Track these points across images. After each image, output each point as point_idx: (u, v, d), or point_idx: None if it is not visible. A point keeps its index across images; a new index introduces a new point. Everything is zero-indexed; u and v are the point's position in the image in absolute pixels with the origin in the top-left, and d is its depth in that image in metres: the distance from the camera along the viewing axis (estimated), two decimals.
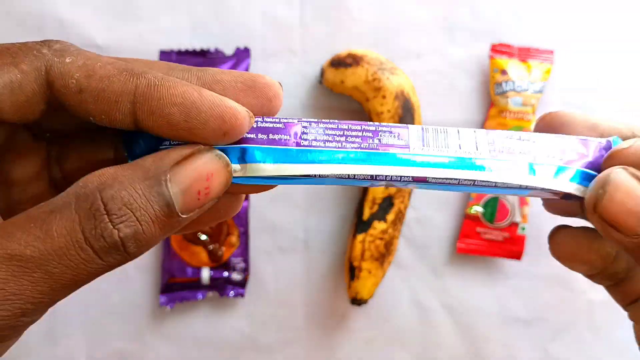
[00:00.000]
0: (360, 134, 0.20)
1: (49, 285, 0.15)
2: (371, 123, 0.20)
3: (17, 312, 0.16)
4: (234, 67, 0.45)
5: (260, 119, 0.19)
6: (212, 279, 0.46)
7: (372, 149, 0.20)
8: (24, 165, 0.19)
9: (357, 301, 0.45)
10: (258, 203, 0.47)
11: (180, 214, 0.16)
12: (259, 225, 0.48)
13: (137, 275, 0.47)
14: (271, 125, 0.19)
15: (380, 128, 0.20)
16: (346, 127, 0.20)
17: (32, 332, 0.46)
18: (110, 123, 0.17)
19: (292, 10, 0.47)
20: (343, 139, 0.20)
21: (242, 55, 0.46)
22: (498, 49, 0.47)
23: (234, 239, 0.46)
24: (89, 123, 0.18)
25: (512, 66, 0.46)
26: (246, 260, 0.47)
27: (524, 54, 0.47)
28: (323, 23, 0.47)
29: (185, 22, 0.46)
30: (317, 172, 0.19)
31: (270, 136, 0.19)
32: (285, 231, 0.48)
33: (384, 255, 0.45)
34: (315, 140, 0.19)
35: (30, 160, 0.20)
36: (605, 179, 0.18)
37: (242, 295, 0.47)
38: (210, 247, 0.46)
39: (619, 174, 0.18)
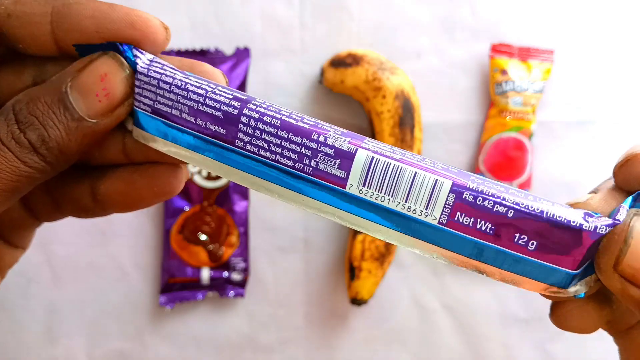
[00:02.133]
0: (298, 148, 0.18)
1: None
2: (319, 132, 0.18)
3: None
4: (234, 66, 0.45)
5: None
6: (212, 279, 0.46)
7: (300, 173, 0.18)
8: None
9: (357, 301, 0.45)
10: (258, 203, 0.47)
11: (87, 117, 0.18)
12: (259, 225, 0.48)
13: (137, 275, 0.47)
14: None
15: (322, 148, 0.17)
16: (286, 135, 0.18)
17: (32, 332, 0.47)
18: (37, 48, 0.19)
19: (292, 10, 0.47)
20: (278, 150, 0.18)
21: (242, 55, 0.46)
22: (498, 49, 0.47)
23: (234, 239, 0.46)
24: (9, 54, 0.19)
25: (512, 66, 0.46)
26: (246, 260, 0.47)
27: (524, 54, 0.47)
28: (323, 23, 0.47)
29: (185, 22, 0.46)
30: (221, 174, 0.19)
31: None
32: (285, 231, 0.48)
33: (384, 255, 0.45)
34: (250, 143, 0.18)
35: None
36: (625, 231, 0.16)
37: (242, 295, 0.47)
38: (210, 247, 0.46)
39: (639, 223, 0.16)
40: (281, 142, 0.18)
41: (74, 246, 0.46)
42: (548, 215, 0.16)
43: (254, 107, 0.18)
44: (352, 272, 0.45)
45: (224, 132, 0.18)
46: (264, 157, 0.18)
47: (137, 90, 0.19)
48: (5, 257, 0.23)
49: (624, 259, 0.16)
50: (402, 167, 0.17)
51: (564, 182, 0.48)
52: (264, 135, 0.18)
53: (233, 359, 0.48)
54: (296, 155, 0.17)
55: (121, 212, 0.22)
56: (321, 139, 0.17)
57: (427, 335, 0.49)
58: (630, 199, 0.17)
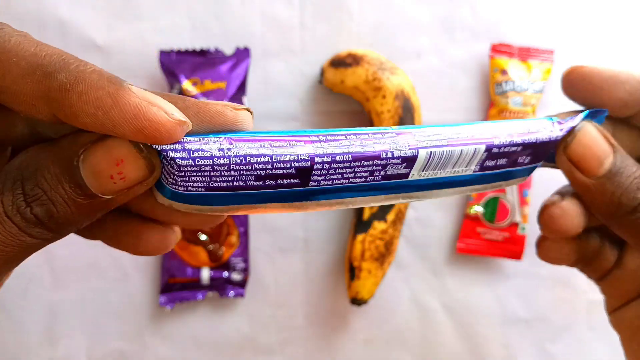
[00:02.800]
0: (370, 168, 0.19)
1: None
2: (386, 150, 0.19)
3: None
4: (233, 66, 0.45)
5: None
6: (212, 279, 0.46)
7: (371, 183, 0.20)
8: None
9: (357, 301, 0.45)
10: None
11: (100, 194, 0.17)
12: (259, 225, 0.48)
13: (137, 275, 0.47)
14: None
15: (391, 161, 0.19)
16: (358, 164, 0.19)
17: (32, 332, 0.47)
18: (38, 121, 0.18)
19: (292, 10, 0.47)
20: (351, 174, 0.19)
21: (242, 55, 0.46)
22: (498, 49, 0.47)
23: (234, 239, 0.46)
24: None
25: (512, 66, 0.46)
26: (246, 260, 0.47)
27: (524, 54, 0.47)
28: (323, 23, 0.47)
29: (185, 22, 0.46)
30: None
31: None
32: (285, 231, 0.48)
33: (384, 255, 0.45)
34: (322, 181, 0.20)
35: None
36: (576, 127, 0.22)
37: (242, 295, 0.47)
38: (210, 247, 0.46)
39: (588, 125, 0.22)
40: (354, 170, 0.19)
41: (74, 246, 0.46)
42: (538, 140, 0.22)
43: (322, 150, 0.19)
44: (352, 272, 0.45)
45: (297, 181, 0.19)
46: (337, 184, 0.19)
47: (179, 178, 0.18)
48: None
49: (570, 144, 0.22)
50: (451, 150, 0.20)
51: (563, 182, 0.48)
52: (337, 171, 0.19)
53: (233, 359, 0.48)
54: (368, 172, 0.20)
55: (135, 254, 0.22)
56: (389, 155, 0.19)
57: (427, 335, 0.49)
58: (585, 113, 0.23)
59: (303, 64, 0.47)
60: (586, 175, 0.22)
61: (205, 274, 0.46)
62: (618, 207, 0.22)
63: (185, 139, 0.17)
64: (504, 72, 0.46)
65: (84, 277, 0.47)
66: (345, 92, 0.45)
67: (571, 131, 0.22)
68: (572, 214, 0.24)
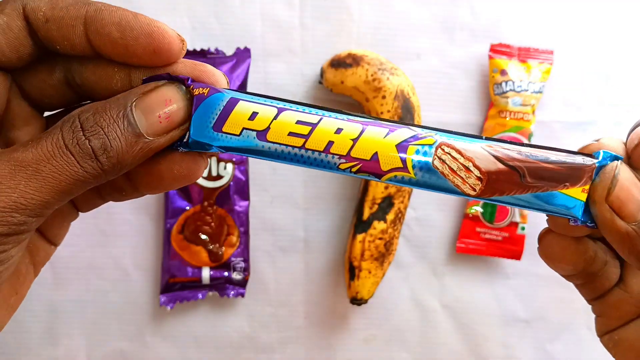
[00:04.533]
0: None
1: (39, 183, 0.18)
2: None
3: (12, 205, 0.18)
4: (234, 67, 0.45)
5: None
6: (212, 278, 0.46)
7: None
8: (25, 131, 0.23)
9: (357, 301, 0.45)
10: (258, 203, 0.47)
11: (145, 134, 0.20)
12: (259, 225, 0.48)
13: (137, 275, 0.47)
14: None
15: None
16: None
17: (32, 332, 0.47)
18: (72, 48, 0.21)
19: (292, 10, 0.47)
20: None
21: (242, 55, 0.46)
22: (498, 49, 0.47)
23: (234, 239, 0.46)
24: (42, 54, 0.22)
25: (511, 66, 0.46)
26: (246, 260, 0.47)
27: (524, 54, 0.47)
28: (323, 23, 0.47)
29: (185, 22, 0.46)
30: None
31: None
32: (285, 231, 0.48)
33: (384, 255, 0.45)
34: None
35: (29, 128, 0.23)
36: (613, 170, 0.21)
37: (242, 295, 0.47)
38: (211, 246, 0.46)
39: (624, 167, 0.21)
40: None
41: (74, 247, 0.46)
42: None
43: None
44: (352, 272, 0.45)
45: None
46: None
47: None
48: (41, 252, 0.24)
49: (614, 190, 0.21)
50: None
51: None
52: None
53: (233, 358, 0.48)
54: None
55: (150, 192, 0.23)
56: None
57: (427, 335, 0.49)
58: (605, 155, 0.22)
59: (303, 64, 0.47)
60: (627, 221, 0.21)
61: (206, 273, 0.46)
62: None
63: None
64: (503, 72, 0.46)
65: (84, 277, 0.47)
66: (345, 93, 0.45)
67: (601, 173, 0.21)
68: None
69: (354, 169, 0.21)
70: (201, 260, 0.46)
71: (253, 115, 0.21)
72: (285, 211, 0.48)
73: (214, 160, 0.46)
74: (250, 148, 0.21)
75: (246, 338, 0.48)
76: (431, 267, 0.49)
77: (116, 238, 0.47)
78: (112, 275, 0.47)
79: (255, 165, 0.47)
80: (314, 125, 0.21)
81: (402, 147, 0.21)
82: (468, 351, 0.49)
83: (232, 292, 0.47)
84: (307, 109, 0.21)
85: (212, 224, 0.46)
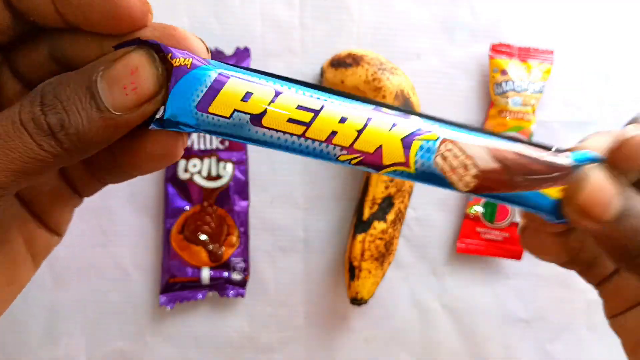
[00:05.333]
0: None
1: None
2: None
3: None
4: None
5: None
6: (212, 279, 0.46)
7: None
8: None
9: (357, 301, 0.45)
10: (258, 203, 0.47)
11: (111, 109, 0.18)
12: (259, 225, 0.48)
13: (137, 275, 0.47)
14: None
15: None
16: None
17: (32, 332, 0.47)
18: (43, 18, 0.19)
19: (292, 10, 0.47)
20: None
21: (242, 55, 0.46)
22: (498, 49, 0.47)
23: (234, 239, 0.46)
24: (26, 32, 0.20)
25: (512, 66, 0.46)
26: (246, 260, 0.47)
27: (524, 54, 0.47)
28: (323, 23, 0.47)
29: (185, 22, 0.46)
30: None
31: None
32: (285, 231, 0.48)
33: (384, 255, 0.45)
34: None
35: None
36: (581, 174, 0.21)
37: (242, 295, 0.47)
38: (210, 247, 0.46)
39: (594, 170, 0.21)
40: None
41: (74, 246, 0.46)
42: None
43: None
44: (352, 272, 0.45)
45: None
46: None
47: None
48: (39, 241, 0.23)
49: (578, 194, 0.20)
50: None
51: None
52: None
53: (233, 359, 0.48)
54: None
55: (136, 173, 0.22)
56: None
57: (427, 334, 0.49)
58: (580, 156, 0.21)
59: (303, 64, 0.47)
60: (594, 222, 0.21)
61: (206, 273, 0.46)
62: (625, 251, 0.21)
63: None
64: (503, 72, 0.46)
65: (84, 277, 0.47)
66: None
67: (571, 174, 0.21)
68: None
69: (354, 161, 0.19)
70: (201, 260, 0.46)
71: (247, 96, 0.18)
72: (285, 211, 0.48)
73: (214, 160, 0.46)
74: (241, 134, 0.19)
75: (246, 338, 0.48)
76: (431, 267, 0.48)
77: (116, 238, 0.47)
78: (112, 275, 0.47)
79: (255, 165, 0.47)
80: (316, 112, 0.19)
81: (407, 141, 0.20)
82: (468, 351, 0.49)
83: (232, 292, 0.47)
84: (308, 91, 0.19)
85: (212, 224, 0.46)
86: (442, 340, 0.49)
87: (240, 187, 0.47)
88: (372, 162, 0.20)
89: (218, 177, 0.46)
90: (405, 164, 0.20)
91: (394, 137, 0.20)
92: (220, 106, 0.18)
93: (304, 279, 0.48)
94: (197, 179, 0.46)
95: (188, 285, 0.46)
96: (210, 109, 0.18)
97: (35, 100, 0.18)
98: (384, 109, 0.20)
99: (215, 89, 0.18)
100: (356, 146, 0.19)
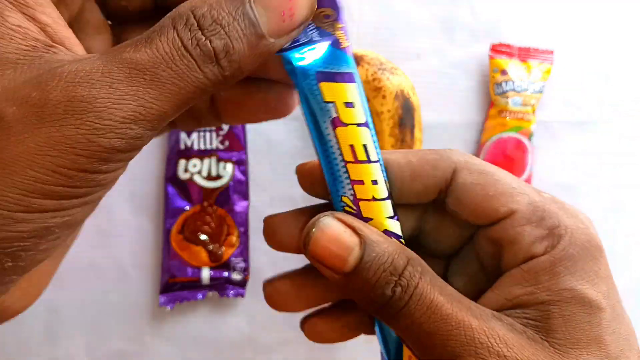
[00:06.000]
0: None
1: (158, 90, 0.16)
2: None
3: (130, 115, 0.16)
4: None
5: None
6: (212, 279, 0.46)
7: None
8: (97, 40, 0.21)
9: None
10: (258, 203, 0.47)
11: (267, 35, 0.17)
12: (259, 225, 0.47)
13: (137, 276, 0.47)
14: None
15: None
16: None
17: (32, 332, 0.47)
18: None
19: None
20: None
21: None
22: (498, 49, 0.47)
23: (234, 239, 0.46)
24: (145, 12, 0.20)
25: (512, 66, 0.46)
26: (246, 260, 0.47)
27: (524, 54, 0.47)
28: None
29: None
30: None
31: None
32: None
33: None
34: None
35: (100, 37, 0.21)
36: (314, 223, 0.20)
37: (242, 295, 0.47)
38: (210, 247, 0.46)
39: (326, 220, 0.20)
40: None
41: (74, 246, 0.46)
42: None
43: None
44: None
45: None
46: None
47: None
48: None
49: (309, 245, 0.20)
50: None
51: (563, 182, 0.48)
52: None
53: (233, 359, 0.48)
54: None
55: (231, 123, 0.21)
56: None
57: None
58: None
59: None
60: (335, 273, 0.20)
61: (206, 273, 0.46)
62: (371, 303, 0.20)
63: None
64: (503, 72, 0.46)
65: (84, 277, 0.47)
66: None
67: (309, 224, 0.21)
68: (284, 293, 0.23)
69: (346, 208, 0.21)
70: (201, 260, 0.46)
71: (349, 105, 0.19)
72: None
73: (213, 160, 0.46)
74: (315, 118, 0.20)
75: (246, 338, 0.48)
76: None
77: (116, 238, 0.47)
78: (112, 275, 0.47)
79: (255, 165, 0.47)
80: (368, 160, 0.20)
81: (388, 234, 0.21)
82: None
83: (232, 292, 0.47)
84: (375, 142, 0.21)
85: (212, 224, 0.46)
86: None
87: (240, 187, 0.47)
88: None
89: (218, 177, 0.46)
90: None
91: (384, 218, 0.21)
92: (329, 90, 0.19)
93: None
94: (197, 179, 0.46)
95: (188, 285, 0.46)
96: (322, 85, 0.19)
97: (192, 25, 0.16)
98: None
99: (340, 78, 0.19)
100: (361, 205, 0.20)
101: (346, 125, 0.19)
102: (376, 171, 0.20)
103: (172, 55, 0.16)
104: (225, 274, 0.46)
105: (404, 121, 0.44)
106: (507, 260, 0.21)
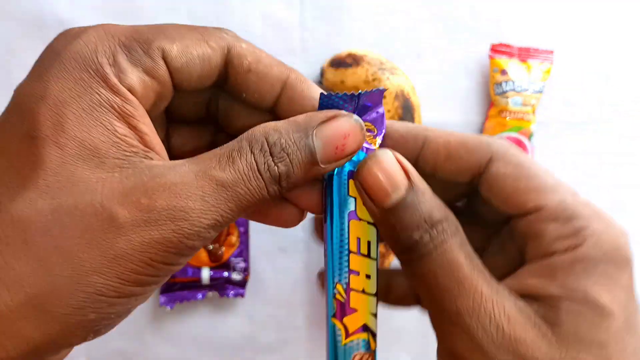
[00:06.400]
0: None
1: (234, 204, 0.19)
2: None
3: (212, 223, 0.19)
4: None
5: None
6: (212, 279, 0.46)
7: None
8: (158, 133, 0.23)
9: None
10: None
11: (320, 163, 0.20)
12: (259, 225, 0.48)
13: None
14: None
15: None
16: None
17: None
18: (258, 101, 0.23)
19: (292, 10, 0.47)
20: None
21: None
22: (498, 49, 0.47)
23: (234, 239, 0.46)
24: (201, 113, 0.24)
25: (512, 66, 0.46)
26: (246, 260, 0.47)
27: (524, 54, 0.47)
28: (323, 23, 0.47)
29: (185, 22, 0.46)
30: None
31: None
32: (285, 231, 0.48)
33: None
34: None
35: (160, 131, 0.24)
36: (372, 154, 0.22)
37: (242, 295, 0.47)
38: (210, 247, 0.46)
39: (382, 153, 0.22)
40: None
41: None
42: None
43: None
44: None
45: None
46: None
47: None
48: None
49: (361, 171, 0.22)
50: None
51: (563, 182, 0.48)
52: None
53: (233, 359, 0.48)
54: None
55: (247, 218, 0.25)
56: None
57: (427, 335, 0.49)
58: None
59: (303, 64, 0.47)
60: (375, 205, 0.21)
61: (206, 273, 0.46)
62: (396, 243, 0.21)
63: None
64: (503, 72, 0.46)
65: None
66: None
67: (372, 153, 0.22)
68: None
69: (337, 295, 0.23)
70: (201, 261, 0.46)
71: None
72: None
73: None
74: (337, 207, 0.22)
75: (246, 338, 0.48)
76: None
77: None
78: None
79: None
80: (368, 256, 0.22)
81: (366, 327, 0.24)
82: None
83: (232, 292, 0.47)
84: (378, 245, 0.23)
85: None
86: None
87: None
88: (340, 312, 0.23)
89: None
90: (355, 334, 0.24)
91: (368, 319, 0.24)
92: (353, 188, 0.22)
93: (304, 279, 0.48)
94: None
95: (188, 285, 0.46)
96: (350, 181, 0.22)
97: (265, 151, 0.20)
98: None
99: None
100: (351, 295, 0.23)
101: (360, 219, 0.22)
102: (372, 268, 0.22)
103: (249, 176, 0.19)
104: (225, 274, 0.46)
105: (404, 121, 0.44)
106: (530, 253, 0.22)
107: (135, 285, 0.19)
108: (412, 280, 0.22)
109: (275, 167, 0.20)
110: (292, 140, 0.20)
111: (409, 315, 0.49)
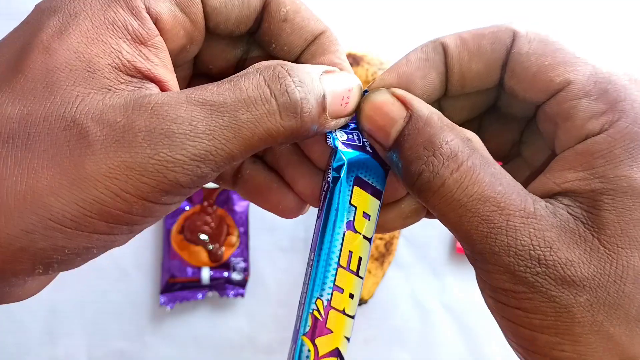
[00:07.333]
0: None
1: (234, 133, 0.16)
2: None
3: (202, 153, 0.16)
4: None
5: None
6: (212, 279, 0.46)
7: None
8: (180, 83, 0.22)
9: None
10: None
11: (327, 113, 0.19)
12: (259, 225, 0.48)
13: (137, 275, 0.47)
14: None
15: None
16: None
17: (32, 332, 0.47)
18: (286, 54, 0.21)
19: None
20: None
21: None
22: None
23: (234, 239, 0.46)
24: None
25: None
26: (246, 260, 0.47)
27: None
28: None
29: None
30: None
31: None
32: (285, 231, 0.48)
33: (384, 255, 0.45)
34: None
35: (181, 82, 0.22)
36: (364, 97, 0.20)
37: (242, 295, 0.47)
38: (210, 247, 0.46)
39: (373, 92, 0.20)
40: None
41: None
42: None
43: None
44: None
45: None
46: None
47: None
48: None
49: (360, 116, 0.20)
50: None
51: None
52: None
53: (233, 359, 0.48)
54: None
55: (241, 196, 0.23)
56: None
57: (427, 335, 0.49)
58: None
59: None
60: (383, 148, 0.19)
61: (206, 273, 0.46)
62: (406, 177, 0.19)
63: None
64: None
65: (84, 277, 0.47)
66: None
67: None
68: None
69: (315, 312, 0.22)
70: (201, 261, 0.46)
71: (366, 215, 0.21)
72: None
73: None
74: (335, 213, 0.21)
75: (246, 338, 0.48)
76: (431, 267, 0.48)
77: None
78: (112, 275, 0.47)
79: None
80: (356, 274, 0.21)
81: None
82: (468, 351, 0.49)
83: (232, 292, 0.47)
84: (367, 264, 0.22)
85: (212, 224, 0.46)
86: (442, 339, 0.49)
87: None
88: (314, 331, 0.22)
89: None
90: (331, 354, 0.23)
91: (340, 343, 0.23)
92: (357, 195, 0.21)
93: (304, 279, 0.48)
94: None
95: (188, 285, 0.46)
96: (355, 188, 0.21)
97: (281, 73, 0.18)
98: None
99: (370, 190, 0.21)
100: (330, 314, 0.22)
101: (356, 232, 0.21)
102: (357, 287, 0.21)
103: (255, 99, 0.17)
104: (225, 274, 0.46)
105: None
106: (561, 140, 0.19)
107: (100, 219, 0.16)
108: (441, 221, 0.20)
109: (297, 90, 0.17)
110: (308, 73, 0.18)
111: (409, 315, 0.49)
